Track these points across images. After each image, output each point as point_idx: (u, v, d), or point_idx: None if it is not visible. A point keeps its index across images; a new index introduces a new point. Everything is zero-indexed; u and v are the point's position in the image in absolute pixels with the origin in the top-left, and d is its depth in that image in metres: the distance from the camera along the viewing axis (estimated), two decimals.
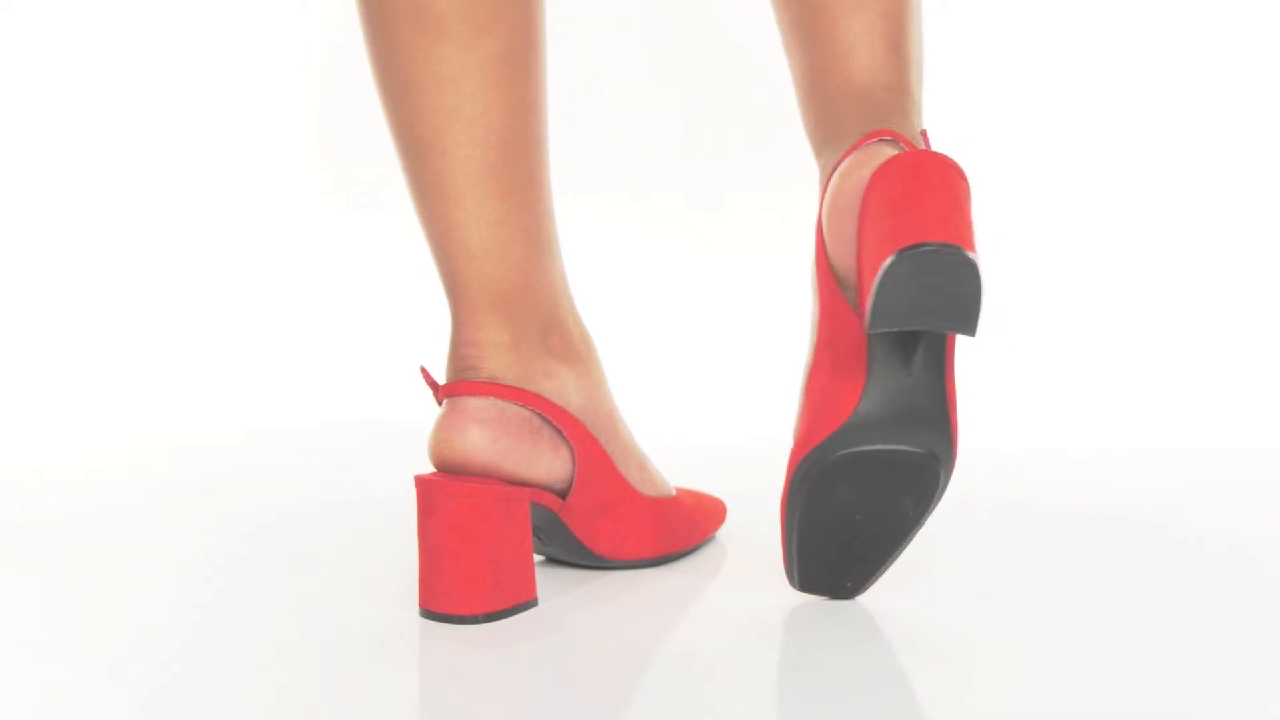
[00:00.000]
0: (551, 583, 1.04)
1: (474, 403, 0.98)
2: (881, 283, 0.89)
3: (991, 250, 1.70)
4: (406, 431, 1.30)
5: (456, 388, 0.99)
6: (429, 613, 0.97)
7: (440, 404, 1.00)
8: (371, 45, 0.98)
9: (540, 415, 1.00)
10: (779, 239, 1.65)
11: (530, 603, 0.99)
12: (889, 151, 0.95)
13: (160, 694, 0.86)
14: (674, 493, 1.12)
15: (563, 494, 1.02)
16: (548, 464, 1.00)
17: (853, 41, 0.98)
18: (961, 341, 1.64)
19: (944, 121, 1.74)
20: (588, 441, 1.02)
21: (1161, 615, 0.99)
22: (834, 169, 0.97)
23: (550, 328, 1.02)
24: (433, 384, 1.00)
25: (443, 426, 0.99)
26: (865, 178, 0.93)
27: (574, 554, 1.06)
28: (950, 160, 0.93)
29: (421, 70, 0.97)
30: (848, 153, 0.97)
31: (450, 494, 0.96)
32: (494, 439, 0.98)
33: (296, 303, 1.76)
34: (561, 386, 1.01)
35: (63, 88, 1.80)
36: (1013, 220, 1.71)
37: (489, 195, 0.98)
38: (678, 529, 1.10)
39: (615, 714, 0.83)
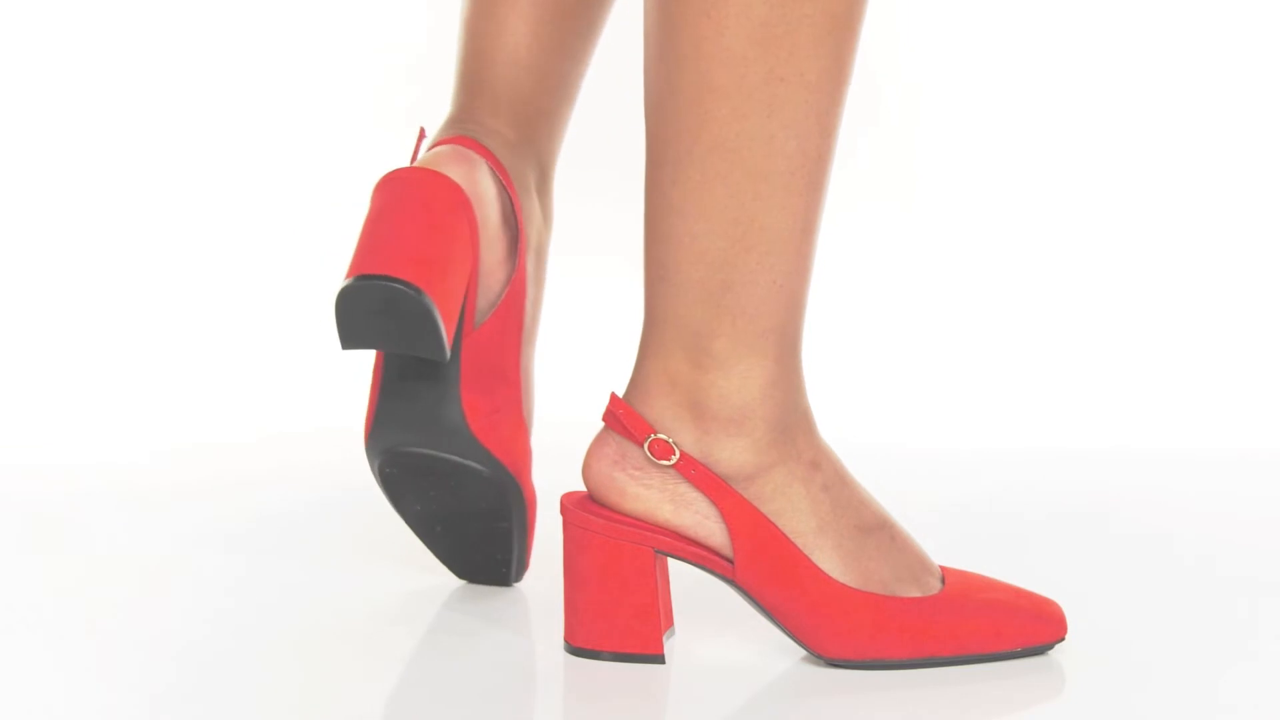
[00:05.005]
0: (553, 583, 1.04)
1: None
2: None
3: (989, 249, 1.71)
4: None
5: None
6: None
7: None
8: None
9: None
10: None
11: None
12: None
13: (159, 696, 0.86)
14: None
15: None
16: None
17: None
18: (959, 341, 1.65)
19: (941, 119, 1.74)
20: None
21: (1157, 616, 0.99)
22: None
23: None
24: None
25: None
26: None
27: None
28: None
29: None
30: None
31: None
32: None
33: (299, 301, 1.76)
34: None
35: (67, 88, 1.80)
36: (1010, 219, 1.72)
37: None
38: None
39: (617, 714, 0.84)
